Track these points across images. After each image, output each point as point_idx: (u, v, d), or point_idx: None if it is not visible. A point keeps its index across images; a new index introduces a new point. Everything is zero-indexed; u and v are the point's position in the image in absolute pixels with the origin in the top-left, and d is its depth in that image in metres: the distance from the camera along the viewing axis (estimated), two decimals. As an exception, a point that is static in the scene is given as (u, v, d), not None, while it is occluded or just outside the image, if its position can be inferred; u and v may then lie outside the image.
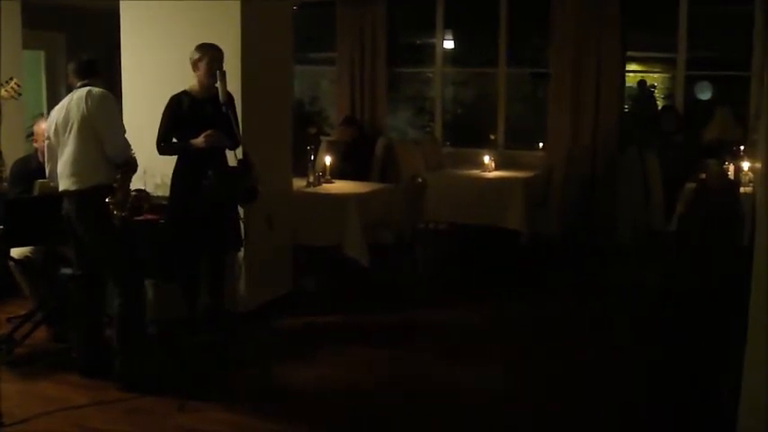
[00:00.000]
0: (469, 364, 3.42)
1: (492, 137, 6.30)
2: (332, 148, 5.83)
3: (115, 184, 3.02)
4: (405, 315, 4.15)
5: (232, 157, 3.30)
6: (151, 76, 3.96)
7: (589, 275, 5.00)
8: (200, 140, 3.25)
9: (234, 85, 3.57)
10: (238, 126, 3.29)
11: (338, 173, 5.36)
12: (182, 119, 3.31)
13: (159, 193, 3.65)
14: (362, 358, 3.46)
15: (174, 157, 3.39)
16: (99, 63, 3.08)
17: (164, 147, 3.33)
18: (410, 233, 4.91)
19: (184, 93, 3.34)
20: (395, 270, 4.93)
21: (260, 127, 3.97)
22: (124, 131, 3.05)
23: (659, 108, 6.87)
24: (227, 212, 3.38)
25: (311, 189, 4.70)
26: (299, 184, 4.66)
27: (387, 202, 4.80)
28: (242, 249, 3.71)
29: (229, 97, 3.32)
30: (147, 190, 3.56)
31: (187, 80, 3.38)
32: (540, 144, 6.58)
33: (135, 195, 3.24)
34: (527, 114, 7.43)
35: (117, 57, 4.06)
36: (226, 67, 3.29)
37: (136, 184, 3.31)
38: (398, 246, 4.82)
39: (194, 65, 3.31)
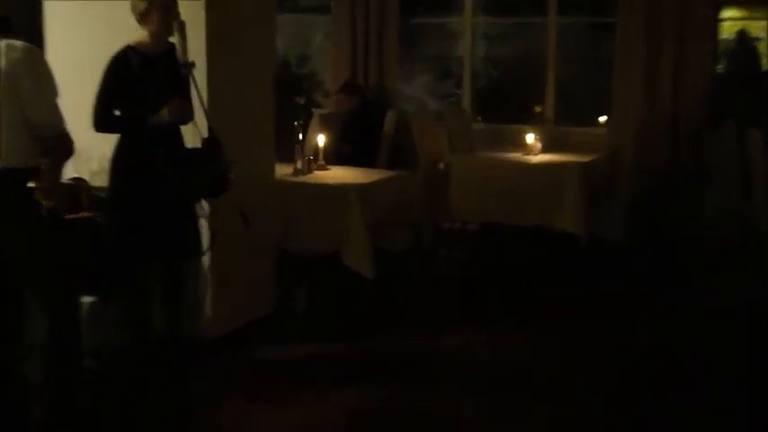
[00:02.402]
0: (505, 409, 3.39)
1: (538, 109, 6.30)
2: (327, 124, 5.83)
3: (42, 167, 2.96)
4: (420, 343, 4.15)
5: (190, 135, 3.28)
6: (84, 33, 3.97)
7: (668, 292, 4.96)
8: (164, 113, 3.24)
9: (196, 41, 3.55)
10: (200, 94, 3.29)
11: (335, 156, 5.35)
12: (129, 83, 3.29)
13: (97, 182, 3.64)
14: (361, 400, 3.46)
15: (115, 137, 3.37)
16: (13, 21, 3.04)
17: (104, 120, 3.29)
18: (429, 236, 4.92)
19: (131, 48, 3.31)
20: (409, 284, 4.94)
21: (231, 96, 3.97)
22: (56, 95, 2.96)
23: (766, 68, 6.81)
24: (188, 208, 3.38)
25: (299, 178, 4.71)
26: (283, 171, 4.67)
27: (399, 196, 4.80)
28: (206, 257, 3.70)
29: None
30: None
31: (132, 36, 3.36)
32: (603, 118, 6.55)
33: (70, 185, 3.23)
34: (585, 79, 7.40)
35: (39, 10, 4.07)
36: (184, 16, 3.27)
37: (67, 172, 3.29)
38: (414, 253, 4.83)
39: (142, 17, 3.29)
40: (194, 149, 3.30)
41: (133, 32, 3.34)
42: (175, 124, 3.33)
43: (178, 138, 3.37)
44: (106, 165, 3.45)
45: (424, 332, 4.30)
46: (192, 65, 3.21)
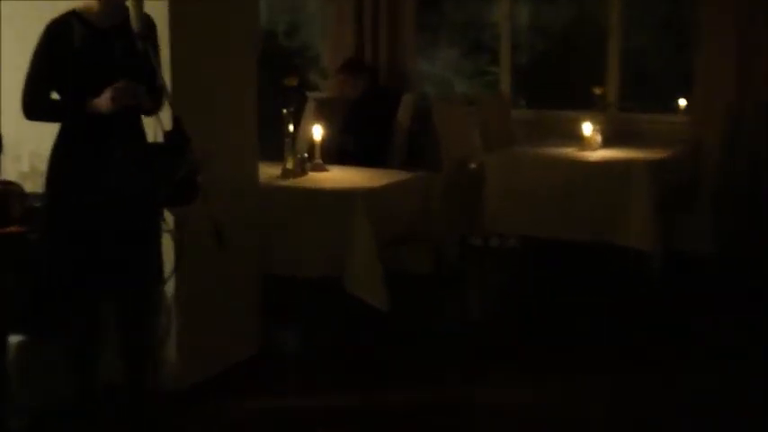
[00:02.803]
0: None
1: (598, 91, 6.28)
2: (325, 113, 5.84)
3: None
4: (443, 394, 4.14)
5: (152, 126, 3.30)
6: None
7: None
8: (104, 99, 3.23)
9: (156, 7, 3.57)
10: (162, 75, 3.30)
11: (336, 153, 5.37)
12: (70, 59, 3.30)
13: (28, 187, 3.66)
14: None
15: (54, 128, 3.39)
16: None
17: (36, 105, 3.29)
18: (457, 254, 4.91)
19: (74, 15, 3.31)
20: (431, 317, 4.92)
21: (201, 77, 3.98)
22: None
23: None
24: (147, 220, 3.39)
25: (290, 182, 4.73)
26: (269, 172, 4.70)
27: (418, 204, 4.82)
28: (170, 284, 3.71)
29: (148, 25, 3.31)
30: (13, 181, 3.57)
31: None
32: (682, 103, 6.54)
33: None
34: (658, 52, 7.38)
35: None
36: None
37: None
38: (438, 276, 4.81)
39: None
40: (153, 145, 3.32)
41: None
42: (135, 114, 3.34)
43: (136, 131, 3.37)
44: (40, 165, 3.47)
45: (449, 379, 4.29)
46: (147, 36, 3.22)
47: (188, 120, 3.27)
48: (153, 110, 3.30)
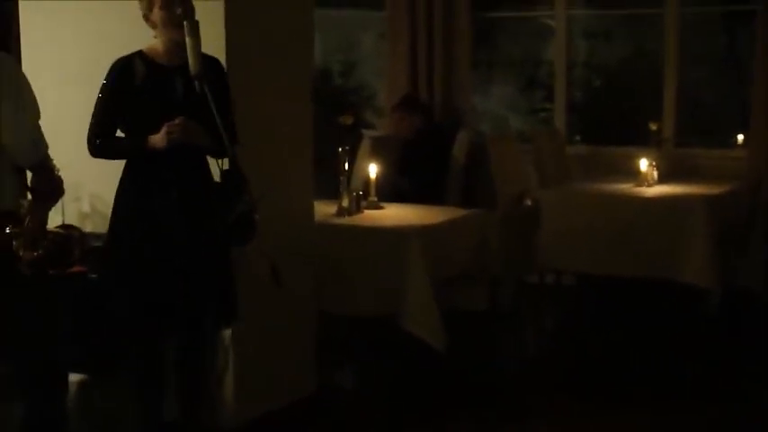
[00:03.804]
0: None
1: (654, 126, 6.22)
2: (381, 150, 5.86)
3: (22, 210, 3.03)
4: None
5: (214, 166, 3.33)
6: (69, 38, 4.05)
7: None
8: (160, 136, 3.27)
9: (214, 47, 3.60)
10: (228, 114, 3.32)
11: (391, 191, 5.36)
12: (132, 96, 3.34)
13: (88, 228, 3.70)
14: None
15: (114, 169, 3.42)
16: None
17: (101, 143, 3.34)
18: (512, 292, 4.87)
19: (139, 55, 3.37)
20: (487, 355, 4.88)
21: (258, 117, 4.00)
22: (37, 116, 3.04)
23: None
24: (209, 260, 3.40)
25: (345, 220, 4.73)
26: (324, 210, 4.70)
27: (473, 241, 4.80)
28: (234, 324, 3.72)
29: (213, 65, 3.35)
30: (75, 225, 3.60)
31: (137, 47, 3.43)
32: (740, 137, 6.44)
33: (57, 233, 3.28)
34: (715, 87, 7.29)
35: (11, 11, 4.19)
36: (200, 16, 3.32)
37: (53, 217, 3.34)
38: (493, 314, 4.77)
39: (146, 17, 3.36)
40: (211, 185, 3.34)
41: (135, 38, 3.42)
42: (198, 154, 3.37)
43: (198, 171, 3.38)
44: (100, 205, 3.51)
45: (506, 418, 4.22)
46: (205, 77, 3.24)
47: (245, 158, 3.29)
48: (216, 151, 3.31)
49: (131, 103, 3.32)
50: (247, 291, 3.55)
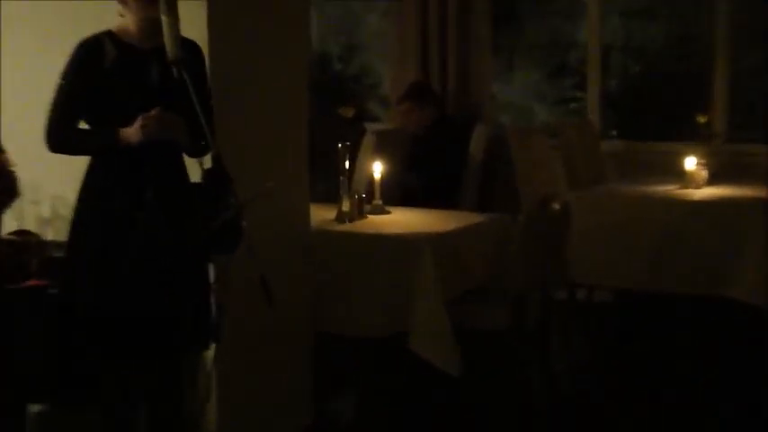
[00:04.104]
0: None
1: (702, 119, 6.22)
2: (386, 147, 5.87)
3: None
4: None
5: (193, 165, 3.33)
6: (25, 22, 4.06)
7: None
8: (134, 128, 3.27)
9: (195, 30, 3.60)
10: (208, 107, 3.32)
11: (399, 193, 5.38)
12: (100, 82, 3.33)
13: (49, 235, 3.69)
14: None
15: (78, 170, 3.42)
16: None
17: (62, 135, 3.31)
18: (538, 310, 4.87)
19: (109, 35, 3.35)
20: (508, 382, 4.88)
21: (245, 108, 4.01)
22: None
23: None
24: (189, 272, 3.40)
25: (346, 227, 4.75)
26: (322, 215, 4.72)
27: (493, 251, 4.82)
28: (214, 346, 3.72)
29: (192, 49, 3.36)
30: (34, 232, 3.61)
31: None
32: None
33: (12, 241, 3.28)
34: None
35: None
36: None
37: (7, 221, 3.35)
38: (515, 335, 4.78)
39: (120, -4, 3.36)
40: (191, 186, 3.34)
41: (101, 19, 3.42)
42: (175, 151, 3.36)
43: (175, 171, 3.39)
44: (62, 210, 3.50)
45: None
46: (183, 62, 3.23)
47: (230, 156, 3.30)
48: (196, 150, 3.31)
49: (99, 89, 3.30)
50: (233, 308, 3.55)
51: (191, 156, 3.34)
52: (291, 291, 4.12)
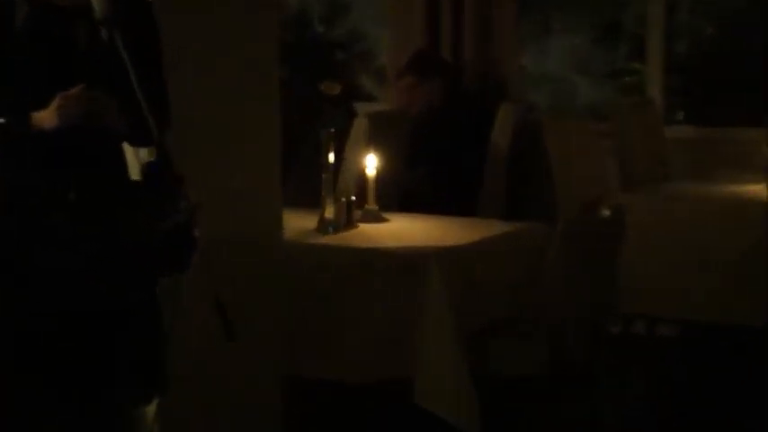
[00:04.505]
0: None
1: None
2: (383, 134, 5.87)
3: None
4: None
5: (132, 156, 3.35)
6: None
7: None
8: (47, 113, 3.28)
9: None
10: (157, 82, 3.35)
11: (399, 195, 5.39)
12: (11, 51, 3.34)
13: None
14: None
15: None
16: None
17: None
18: (582, 347, 4.88)
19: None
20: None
21: (199, 85, 4.02)
22: None
23: None
24: (125, 297, 3.41)
25: (330, 239, 4.79)
26: (299, 224, 4.78)
27: (523, 271, 4.85)
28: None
29: (131, 4, 3.36)
30: None
31: None
32: None
33: None
34: None
35: None
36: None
37: None
38: (553, 379, 4.81)
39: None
40: (129, 184, 3.36)
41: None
42: (108, 140, 3.38)
43: (109, 164, 3.41)
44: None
45: None
46: (116, 22, 3.23)
47: (179, 148, 3.31)
48: (138, 137, 3.33)
49: (6, 58, 3.33)
50: (183, 345, 3.56)
51: (133, 145, 3.36)
52: (259, 321, 4.13)
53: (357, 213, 4.93)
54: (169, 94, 3.38)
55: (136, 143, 3.32)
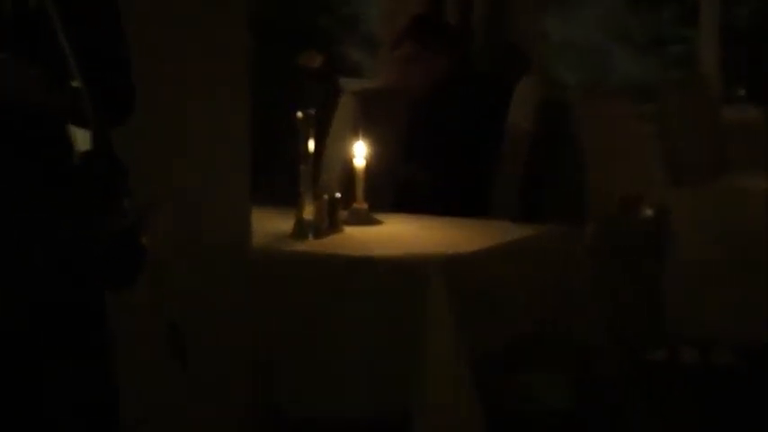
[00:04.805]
0: None
1: None
2: (375, 117, 5.89)
3: None
4: None
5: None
6: None
7: None
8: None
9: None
10: (107, 45, 3.36)
11: (395, 190, 5.42)
12: None
13: None
14: None
15: None
16: None
17: None
18: (619, 377, 4.90)
19: None
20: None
21: (151, 59, 4.03)
22: None
23: None
24: (60, 318, 3.43)
25: (311, 246, 4.81)
26: (272, 227, 4.81)
27: (546, 284, 4.86)
28: None
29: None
30: None
31: None
32: None
33: None
34: None
35: None
36: None
37: None
38: (583, 415, 4.85)
39: None
40: (68, 179, 3.37)
41: None
42: (23, 115, 3.39)
43: (40, 155, 3.42)
44: None
45: None
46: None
47: (124, 136, 3.34)
48: (77, 116, 3.34)
49: None
50: (132, 375, 3.58)
51: (77, 125, 3.38)
52: (222, 347, 4.16)
53: (343, 214, 4.95)
54: (128, 68, 3.39)
55: (80, 123, 3.33)
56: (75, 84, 3.20)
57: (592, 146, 6.00)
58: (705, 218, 5.57)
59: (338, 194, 4.96)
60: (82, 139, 3.27)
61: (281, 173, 4.95)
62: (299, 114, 4.88)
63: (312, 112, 4.92)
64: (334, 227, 4.87)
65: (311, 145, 4.88)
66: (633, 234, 4.98)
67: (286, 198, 4.88)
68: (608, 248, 4.84)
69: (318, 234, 4.81)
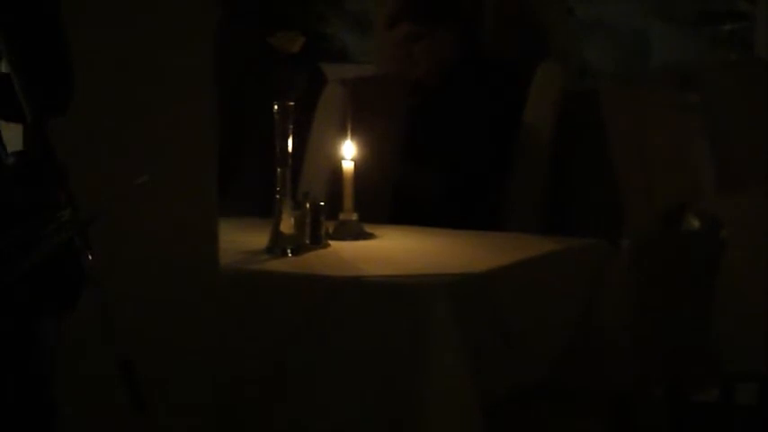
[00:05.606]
0: None
1: None
2: (367, 109, 5.90)
3: None
4: None
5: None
6: None
7: None
8: None
9: None
10: (40, 35, 3.36)
11: (391, 197, 5.42)
12: None
13: None
14: None
15: None
16: None
17: None
18: (662, 418, 4.91)
19: None
20: None
21: (99, 44, 4.04)
22: None
23: None
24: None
25: (289, 263, 4.83)
26: (244, 242, 4.83)
27: (572, 310, 4.87)
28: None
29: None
30: None
31: None
32: None
33: None
34: None
35: None
36: None
37: None
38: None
39: None
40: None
41: None
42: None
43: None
44: None
45: None
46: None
47: (66, 135, 3.33)
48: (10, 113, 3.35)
49: None
50: (78, 418, 3.57)
51: (5, 119, 3.38)
52: (185, 386, 4.16)
53: (328, 226, 4.95)
54: (68, 53, 3.39)
55: (15, 119, 3.34)
56: (2, 69, 3.21)
57: (626, 146, 6.00)
58: (764, 230, 5.57)
59: (322, 203, 4.96)
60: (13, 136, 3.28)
61: (253, 176, 4.93)
62: (275, 107, 4.89)
63: (291, 104, 4.93)
64: (317, 242, 4.88)
65: (290, 143, 4.88)
66: (678, 251, 4.97)
67: (260, 207, 4.87)
68: (648, 268, 4.84)
69: (298, 250, 4.82)
